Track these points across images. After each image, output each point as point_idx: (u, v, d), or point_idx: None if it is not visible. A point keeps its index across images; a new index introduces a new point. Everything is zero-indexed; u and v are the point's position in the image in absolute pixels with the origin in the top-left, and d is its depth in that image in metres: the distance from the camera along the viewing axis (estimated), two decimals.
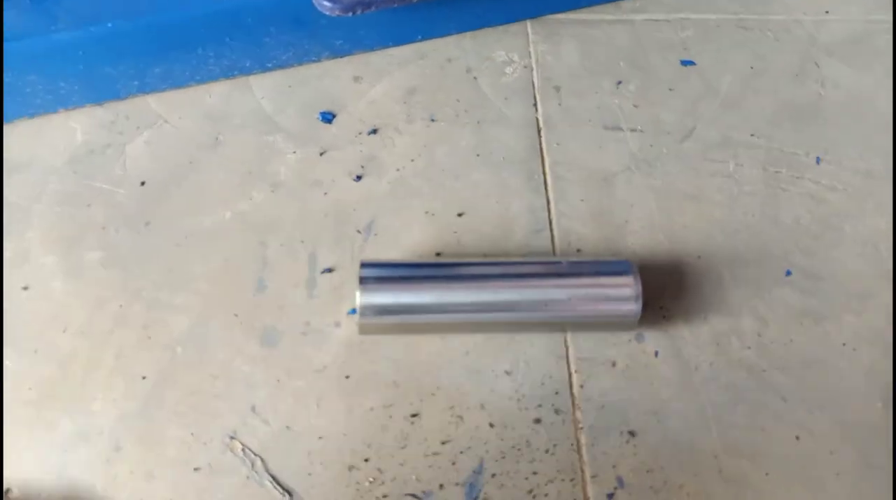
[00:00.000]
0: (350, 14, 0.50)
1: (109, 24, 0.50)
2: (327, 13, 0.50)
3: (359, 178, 0.54)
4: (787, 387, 0.48)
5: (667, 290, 0.51)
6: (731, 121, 0.57)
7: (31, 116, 0.55)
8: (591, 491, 0.45)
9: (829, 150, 0.57)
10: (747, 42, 0.61)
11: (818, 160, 0.56)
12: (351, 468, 0.45)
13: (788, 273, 0.52)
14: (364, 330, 0.46)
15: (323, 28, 0.55)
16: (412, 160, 0.55)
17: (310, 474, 0.45)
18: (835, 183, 0.55)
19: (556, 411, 0.47)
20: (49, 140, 0.54)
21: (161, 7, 0.51)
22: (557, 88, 0.59)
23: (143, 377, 0.47)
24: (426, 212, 0.53)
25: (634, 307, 0.46)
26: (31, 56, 0.51)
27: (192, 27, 0.52)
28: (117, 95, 0.55)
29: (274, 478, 0.44)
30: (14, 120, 0.55)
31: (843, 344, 0.50)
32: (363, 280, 0.45)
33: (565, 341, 0.49)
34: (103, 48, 0.52)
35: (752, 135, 0.57)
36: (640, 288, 0.46)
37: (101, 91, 0.55)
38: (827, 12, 0.63)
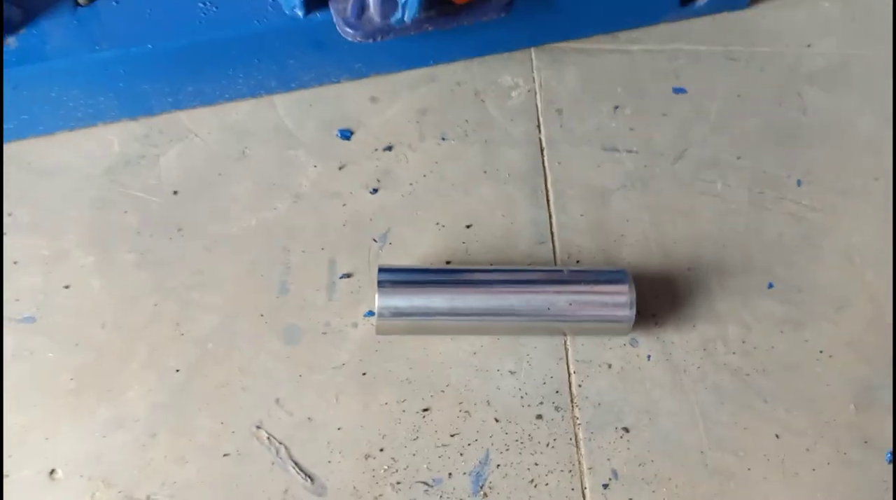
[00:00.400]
0: (370, 41, 0.55)
1: (149, 46, 0.54)
2: (350, 39, 0.54)
3: (375, 191, 0.58)
4: (769, 389, 0.52)
5: (659, 299, 0.55)
6: (720, 144, 0.62)
7: (72, 128, 0.58)
8: (587, 482, 0.49)
9: (810, 172, 0.61)
10: (735, 71, 0.66)
11: (799, 182, 0.61)
12: (367, 456, 0.49)
13: (771, 285, 0.56)
14: (381, 330, 0.50)
15: (343, 52, 0.59)
16: (424, 175, 0.59)
17: (329, 461, 0.48)
18: (814, 203, 0.60)
19: (557, 409, 0.51)
20: (88, 150, 0.58)
21: (197, 31, 0.55)
22: (559, 111, 0.63)
23: (176, 370, 0.50)
24: (437, 223, 0.57)
25: (629, 313, 0.50)
26: (75, 72, 0.55)
27: (225, 50, 0.56)
28: (151, 111, 0.59)
29: (297, 464, 0.48)
30: (55, 131, 0.58)
31: (821, 351, 0.54)
32: (381, 284, 0.49)
33: (565, 344, 0.53)
34: (142, 67, 0.55)
35: (738, 157, 0.61)
36: (634, 295, 0.50)
37: (137, 106, 0.59)
38: (808, 45, 0.68)
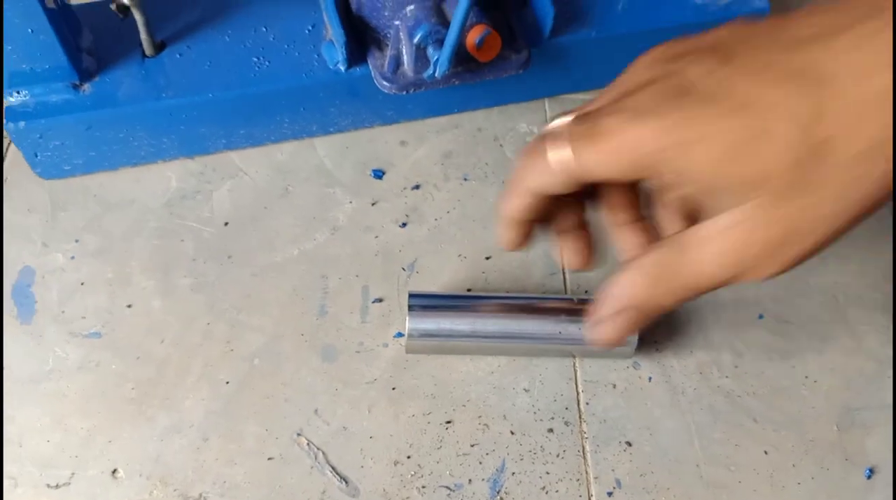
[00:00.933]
0: (404, 93, 0.61)
1: (210, 95, 0.61)
2: (385, 91, 0.61)
3: (404, 225, 0.64)
4: (758, 410, 0.57)
5: (659, 327, 0.60)
6: None
7: (134, 164, 0.65)
8: (593, 490, 0.54)
9: None
10: None
11: None
12: (396, 462, 0.54)
13: (761, 316, 0.61)
14: (410, 350, 0.55)
15: (378, 101, 0.66)
16: (448, 212, 0.65)
17: (362, 466, 0.53)
18: None
19: (566, 423, 0.56)
20: (149, 185, 0.64)
21: (251, 82, 0.62)
22: None
23: (227, 382, 0.56)
24: (459, 255, 0.63)
25: (632, 338, 0.55)
26: (142, 117, 0.61)
27: (275, 99, 0.63)
28: (206, 150, 0.66)
29: (333, 468, 0.53)
30: (119, 167, 0.65)
31: (806, 377, 0.59)
32: (411, 308, 0.54)
33: (574, 366, 0.58)
34: (201, 114, 0.62)
35: None
36: None
37: (194, 147, 0.65)
38: None
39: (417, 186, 0.66)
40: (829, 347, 0.60)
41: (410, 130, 0.69)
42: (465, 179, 0.67)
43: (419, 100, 0.67)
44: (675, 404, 0.57)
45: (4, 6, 0.54)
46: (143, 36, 0.61)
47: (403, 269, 0.62)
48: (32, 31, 0.56)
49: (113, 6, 0.58)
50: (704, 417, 0.56)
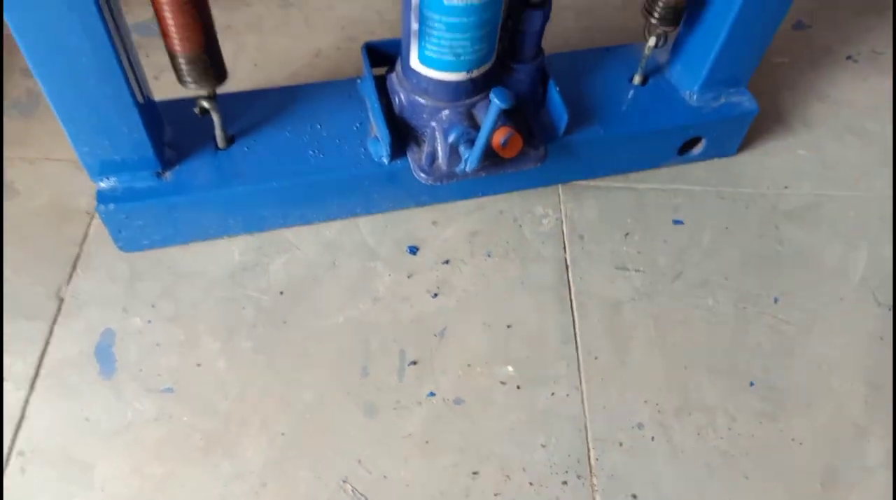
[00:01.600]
0: (438, 183, 0.71)
1: (272, 183, 0.71)
2: (422, 181, 0.71)
3: (435, 295, 0.73)
4: (749, 467, 0.63)
5: (661, 391, 0.68)
6: (710, 267, 0.75)
7: (203, 239, 0.74)
8: None
9: (785, 292, 0.74)
10: (723, 208, 0.80)
11: (776, 300, 0.74)
12: None
13: (752, 384, 0.68)
14: None
15: (414, 188, 0.75)
16: (474, 284, 0.74)
17: None
18: (789, 318, 0.73)
19: (578, 477, 0.63)
20: (215, 258, 0.74)
21: (307, 172, 0.71)
22: (581, 236, 0.78)
23: (282, 434, 0.64)
24: (483, 323, 0.71)
25: None
26: (215, 201, 0.71)
27: (327, 186, 0.73)
28: (264, 228, 0.75)
29: None
30: (191, 242, 0.74)
31: (792, 439, 0.66)
32: None
33: (585, 426, 0.66)
34: (264, 198, 0.72)
35: (725, 278, 0.75)
36: None
37: (255, 225, 0.74)
38: (786, 187, 0.83)
39: (447, 261, 0.75)
40: (813, 412, 0.67)
41: (441, 212, 0.78)
42: (489, 256, 0.76)
43: (449, 186, 0.76)
44: (676, 461, 0.64)
45: (106, 107, 0.64)
46: (218, 132, 0.72)
47: (435, 335, 0.70)
48: (128, 129, 0.66)
49: (196, 110, 0.69)
50: (702, 473, 0.63)
